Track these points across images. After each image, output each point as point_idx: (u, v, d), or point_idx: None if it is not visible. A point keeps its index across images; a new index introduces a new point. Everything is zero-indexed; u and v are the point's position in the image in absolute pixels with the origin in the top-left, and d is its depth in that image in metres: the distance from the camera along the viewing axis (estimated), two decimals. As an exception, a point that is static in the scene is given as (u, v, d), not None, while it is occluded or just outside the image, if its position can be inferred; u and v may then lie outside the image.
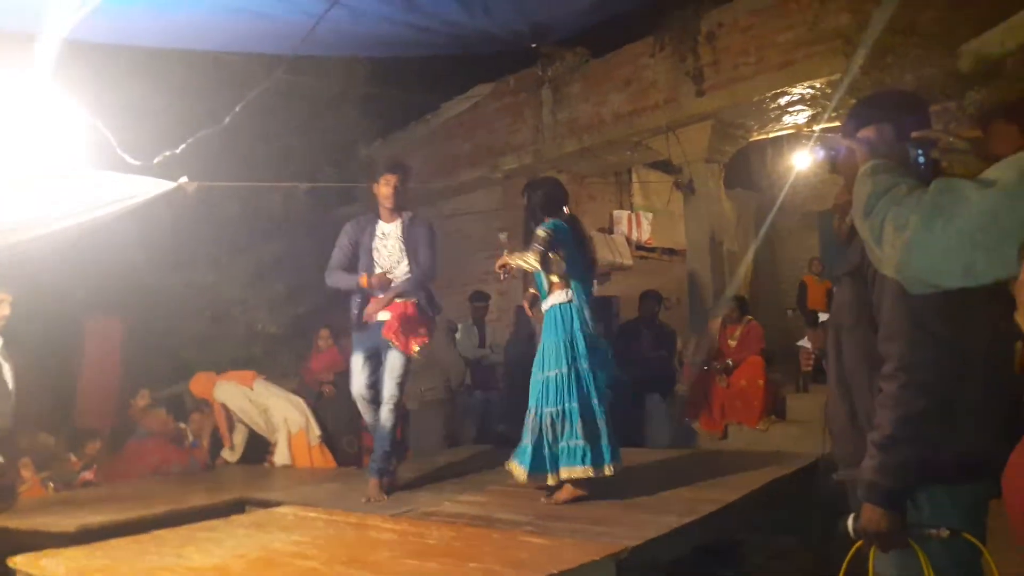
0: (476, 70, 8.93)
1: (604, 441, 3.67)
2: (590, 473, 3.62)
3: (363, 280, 4.18)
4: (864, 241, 1.50)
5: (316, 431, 6.13)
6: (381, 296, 4.20)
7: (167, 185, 4.74)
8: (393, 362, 4.14)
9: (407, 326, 4.10)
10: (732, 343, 6.72)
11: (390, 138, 10.00)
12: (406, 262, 4.25)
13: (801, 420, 6.35)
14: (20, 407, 4.22)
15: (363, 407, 4.30)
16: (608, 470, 3.65)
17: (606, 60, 8.14)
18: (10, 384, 4.09)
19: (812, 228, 11.23)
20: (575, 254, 3.83)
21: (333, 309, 8.80)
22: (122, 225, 5.22)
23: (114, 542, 3.23)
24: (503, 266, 3.69)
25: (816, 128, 7.88)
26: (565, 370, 3.70)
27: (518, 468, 3.72)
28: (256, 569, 2.71)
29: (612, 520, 3.30)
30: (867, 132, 1.75)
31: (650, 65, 7.70)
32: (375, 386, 4.24)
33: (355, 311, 4.25)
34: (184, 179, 4.87)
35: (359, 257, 4.28)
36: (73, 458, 6.17)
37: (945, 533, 1.66)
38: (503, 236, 9.07)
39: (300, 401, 6.29)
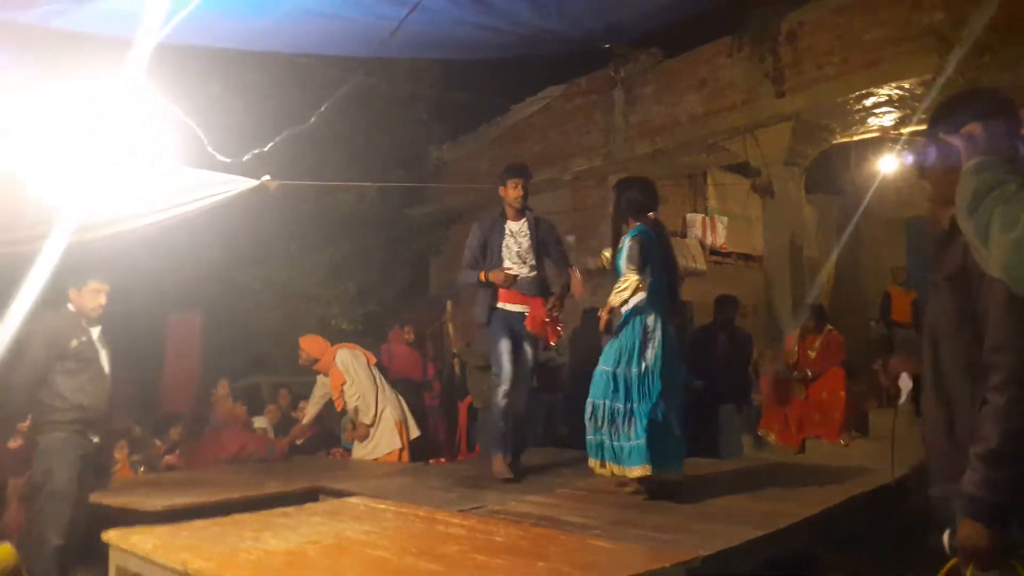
0: (547, 72, 8.95)
1: (669, 444, 3.63)
2: (649, 472, 3.58)
3: (481, 275, 4.44)
4: (968, 241, 1.42)
5: (415, 430, 6.10)
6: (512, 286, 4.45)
7: (251, 183, 4.90)
8: (528, 352, 4.49)
9: (548, 318, 4.36)
10: (811, 353, 6.50)
11: (460, 140, 10.09)
12: (533, 256, 4.51)
13: (884, 436, 6.09)
14: (113, 394, 4.41)
15: (508, 386, 4.45)
16: (673, 475, 3.62)
17: (680, 61, 8.02)
18: (107, 369, 4.30)
19: (898, 236, 10.77)
20: (657, 260, 3.83)
21: (400, 307, 9.00)
22: (204, 222, 5.41)
23: (197, 523, 3.35)
24: (609, 311, 3.76)
25: (904, 131, 7.59)
26: (635, 369, 3.67)
27: (592, 461, 3.77)
28: (329, 555, 2.76)
29: (683, 528, 3.23)
30: (971, 128, 1.66)
31: (727, 66, 7.54)
32: (517, 362, 4.49)
33: (485, 305, 4.50)
34: (267, 177, 5.02)
35: (487, 255, 4.54)
36: (158, 443, 6.45)
37: None
38: (570, 239, 9.12)
39: (399, 397, 6.27)
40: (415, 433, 6.10)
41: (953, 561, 1.68)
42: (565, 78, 9.01)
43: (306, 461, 6.16)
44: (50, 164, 3.72)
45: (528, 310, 4.42)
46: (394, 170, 9.25)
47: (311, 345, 6.22)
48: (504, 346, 4.45)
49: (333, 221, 8.82)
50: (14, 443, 5.12)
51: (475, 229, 4.63)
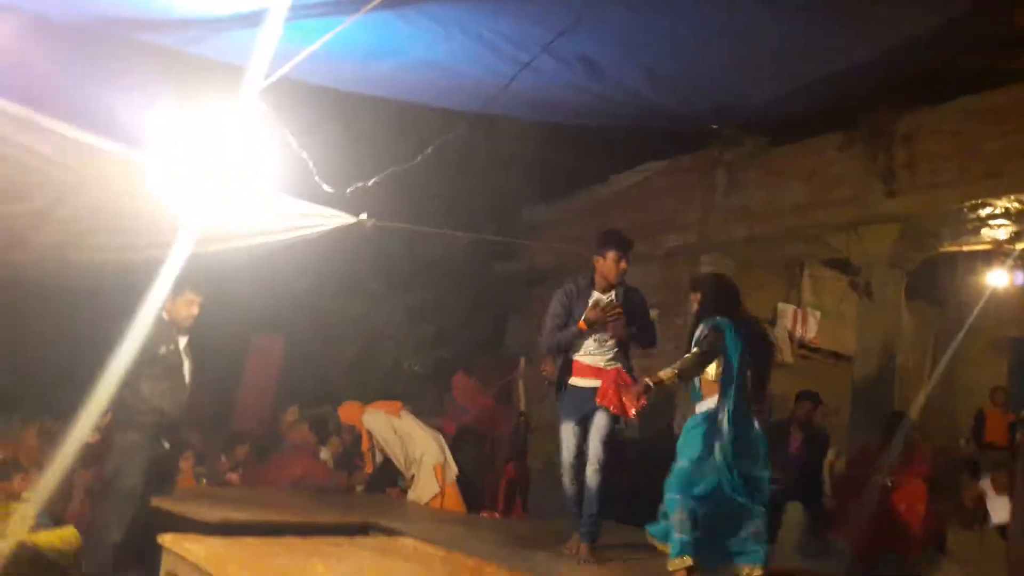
0: (649, 146, 8.98)
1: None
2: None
3: (581, 324, 4.14)
4: None
5: (454, 469, 6.18)
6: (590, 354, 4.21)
7: (350, 219, 5.09)
8: (599, 422, 4.08)
9: (622, 390, 4.07)
10: (893, 461, 6.14)
11: (554, 204, 10.20)
12: (616, 330, 4.19)
13: (963, 558, 5.68)
14: (188, 404, 4.56)
15: (569, 476, 4.25)
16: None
17: (788, 149, 7.93)
18: (187, 379, 4.46)
19: (1000, 355, 10.19)
20: (733, 356, 3.62)
21: (473, 357, 9.03)
22: (297, 251, 5.62)
23: (249, 539, 3.41)
24: (645, 390, 3.57)
25: (1018, 246, 7.25)
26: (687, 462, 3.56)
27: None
28: (373, 591, 2.74)
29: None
30: None
31: (837, 160, 7.40)
32: (584, 455, 4.17)
33: (558, 377, 4.28)
34: (364, 215, 5.21)
35: (568, 324, 4.26)
36: (223, 459, 6.61)
37: None
38: (654, 313, 8.99)
39: (440, 437, 6.39)
40: (453, 473, 6.16)
41: None
42: (667, 154, 9.03)
43: (362, 496, 6.19)
44: (172, 179, 3.96)
45: (601, 384, 4.13)
46: (486, 224, 9.41)
47: (345, 415, 6.72)
48: (567, 431, 4.21)
49: (420, 266, 9.01)
50: (92, 437, 5.32)
51: (559, 295, 4.34)
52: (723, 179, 8.38)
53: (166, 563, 3.18)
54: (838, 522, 6.16)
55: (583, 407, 4.16)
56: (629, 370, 4.23)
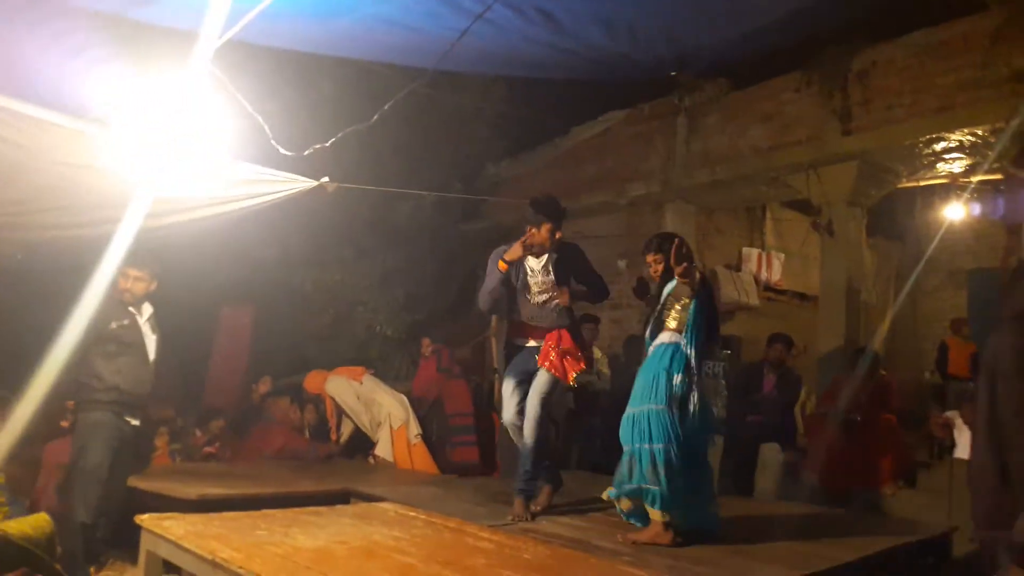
0: (609, 96, 8.91)
1: (677, 490, 3.47)
2: (657, 517, 3.46)
3: (501, 264, 4.07)
4: None
5: (416, 429, 6.29)
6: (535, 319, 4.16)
7: (309, 183, 5.00)
8: (540, 380, 4.03)
9: (562, 352, 4.04)
10: (862, 398, 6.29)
11: (518, 157, 10.13)
12: (555, 293, 4.13)
13: (932, 489, 5.87)
14: (156, 381, 4.50)
15: (514, 434, 4.21)
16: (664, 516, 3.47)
17: (747, 93, 7.92)
18: (152, 355, 4.38)
19: (960, 287, 10.43)
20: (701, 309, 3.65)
21: (445, 319, 9.03)
22: (261, 219, 5.52)
23: (228, 514, 3.40)
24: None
25: (974, 179, 7.37)
26: (652, 408, 3.54)
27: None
28: (356, 557, 2.76)
29: (715, 562, 3.15)
30: None
31: (794, 100, 7.42)
32: (524, 412, 4.12)
33: (503, 339, 4.27)
34: (326, 179, 5.12)
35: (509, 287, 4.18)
36: (198, 433, 6.57)
37: None
38: (622, 264, 9.06)
39: (404, 399, 6.46)
40: (415, 433, 6.29)
41: None
42: (627, 103, 8.98)
43: (341, 464, 6.21)
44: (122, 150, 3.84)
45: (543, 344, 4.09)
46: (452, 184, 9.32)
47: (310, 384, 6.86)
48: (507, 389, 4.18)
49: (388, 229, 8.92)
50: (65, 422, 5.26)
51: (495, 256, 4.20)
52: (683, 126, 8.37)
53: (145, 543, 3.16)
54: (812, 460, 6.31)
55: (524, 366, 4.14)
56: (575, 331, 4.18)
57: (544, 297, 4.15)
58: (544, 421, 4.04)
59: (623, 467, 3.61)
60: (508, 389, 4.18)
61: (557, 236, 4.13)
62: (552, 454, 4.38)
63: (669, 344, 3.66)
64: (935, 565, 4.02)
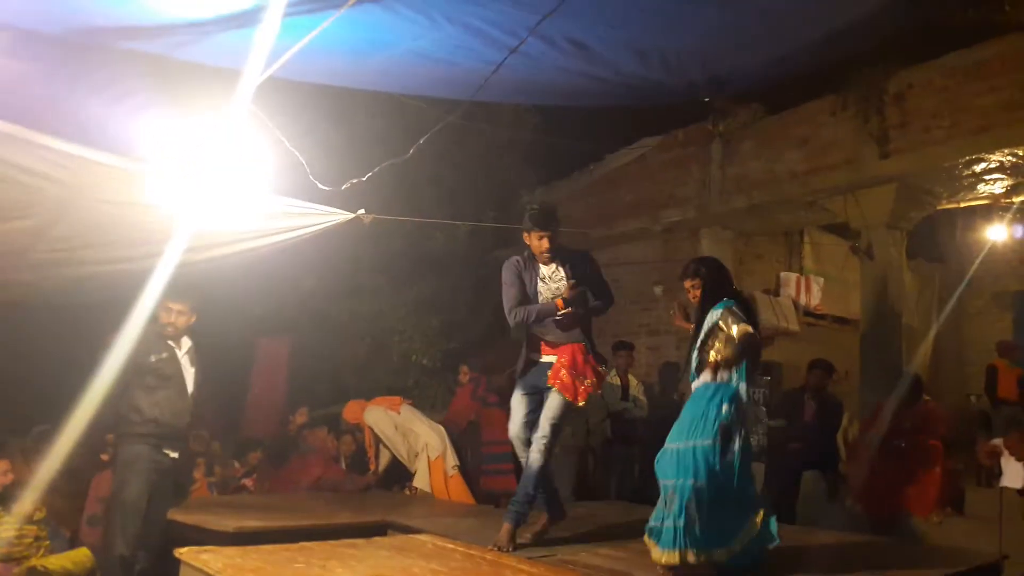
0: (644, 122, 8.94)
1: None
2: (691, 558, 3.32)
3: (559, 303, 3.94)
4: None
5: (453, 460, 6.25)
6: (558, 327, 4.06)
7: (347, 215, 5.06)
8: (552, 402, 3.91)
9: (575, 372, 3.94)
10: (906, 424, 6.14)
11: (553, 185, 10.17)
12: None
13: (980, 516, 5.70)
14: (194, 413, 4.54)
15: (519, 448, 4.10)
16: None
17: (782, 117, 7.89)
18: (190, 388, 4.42)
19: (1005, 309, 10.19)
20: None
21: (481, 347, 9.04)
22: (299, 251, 5.60)
23: (266, 547, 3.40)
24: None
25: (1015, 199, 7.22)
26: (698, 443, 3.44)
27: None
28: (395, 591, 2.74)
29: (761, 597, 3.07)
30: None
31: (830, 124, 7.36)
32: (531, 426, 4.00)
33: (523, 356, 4.12)
34: (362, 211, 5.18)
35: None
36: (236, 465, 6.62)
37: None
38: (658, 290, 9.00)
39: (442, 429, 6.45)
40: (452, 464, 6.26)
41: None
42: (662, 130, 9.00)
43: (379, 495, 6.21)
44: (164, 187, 3.93)
45: (555, 360, 3.97)
46: (486, 212, 9.38)
47: (349, 414, 6.83)
48: (516, 401, 4.06)
49: (423, 258, 8.99)
50: (106, 456, 5.32)
51: (509, 267, 4.15)
52: (718, 151, 8.35)
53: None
54: (855, 487, 6.16)
55: (535, 380, 4.03)
56: (590, 346, 4.07)
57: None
58: (552, 447, 3.91)
59: (663, 503, 3.51)
60: (516, 401, 4.08)
61: (544, 244, 4.03)
62: (583, 484, 4.24)
63: (717, 384, 3.56)
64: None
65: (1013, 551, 3.89)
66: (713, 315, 3.64)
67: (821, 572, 3.52)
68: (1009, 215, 7.95)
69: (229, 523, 4.13)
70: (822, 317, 9.51)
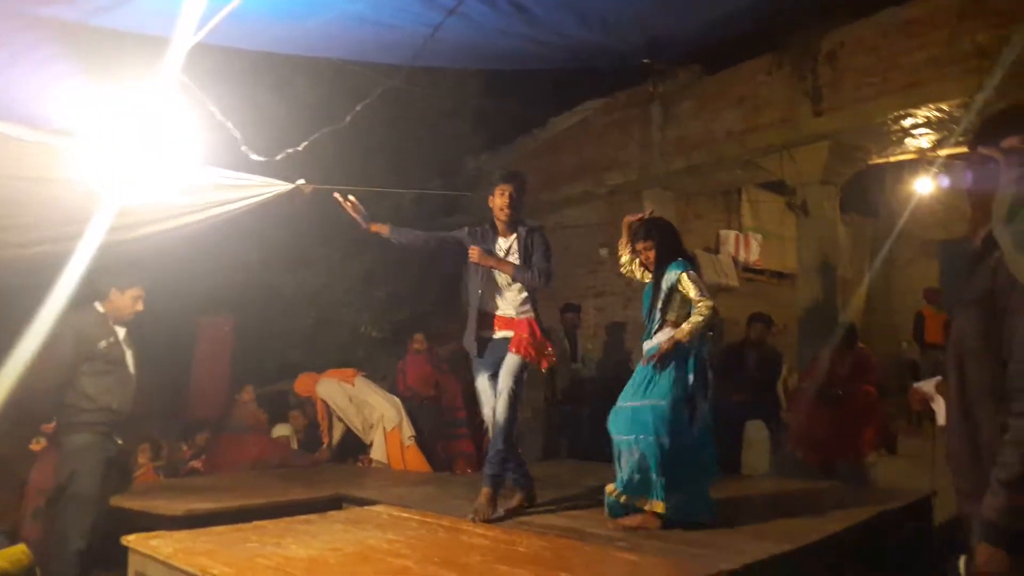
0: (585, 86, 8.93)
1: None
2: (649, 507, 3.52)
3: (474, 252, 3.99)
4: (1005, 253, 1.39)
5: (409, 431, 6.26)
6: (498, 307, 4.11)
7: (286, 186, 4.95)
8: (510, 360, 3.93)
9: (536, 343, 3.98)
10: (842, 372, 6.39)
11: (498, 151, 10.12)
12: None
13: (912, 455, 6.00)
14: (137, 397, 4.42)
15: (492, 437, 4.08)
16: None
17: (719, 78, 7.97)
18: (132, 370, 4.30)
19: (932, 257, 10.61)
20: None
21: (432, 317, 9.01)
22: (238, 225, 5.45)
23: (217, 528, 3.37)
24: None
25: (941, 153, 7.46)
26: (655, 403, 3.57)
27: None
28: (351, 563, 2.75)
29: (707, 543, 3.19)
30: (1012, 143, 1.64)
31: (766, 83, 7.48)
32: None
33: (472, 329, 4.10)
34: (301, 181, 5.08)
35: (469, 267, 4.14)
36: (184, 447, 6.50)
37: None
38: (604, 252, 9.08)
39: (397, 401, 6.44)
40: (409, 435, 6.26)
41: None
42: (603, 92, 9.01)
43: (332, 469, 6.18)
44: (88, 161, 3.77)
45: (513, 334, 4.00)
46: (432, 179, 9.27)
47: (301, 387, 6.79)
48: (483, 385, 4.08)
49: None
50: (36, 445, 5.13)
51: (464, 231, 4.21)
52: (658, 113, 8.41)
53: (133, 564, 3.10)
54: (795, 435, 6.41)
55: (495, 357, 4.03)
56: (539, 322, 4.11)
57: (513, 283, 4.06)
58: (516, 399, 3.93)
59: (622, 461, 3.61)
60: (484, 384, 4.10)
61: (507, 196, 4.03)
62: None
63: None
64: (917, 529, 4.10)
65: (944, 487, 4.11)
66: (671, 276, 3.72)
67: (764, 518, 3.67)
68: (935, 168, 8.21)
69: (178, 506, 4.06)
70: (761, 272, 9.75)
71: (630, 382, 3.72)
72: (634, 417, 3.57)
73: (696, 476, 3.60)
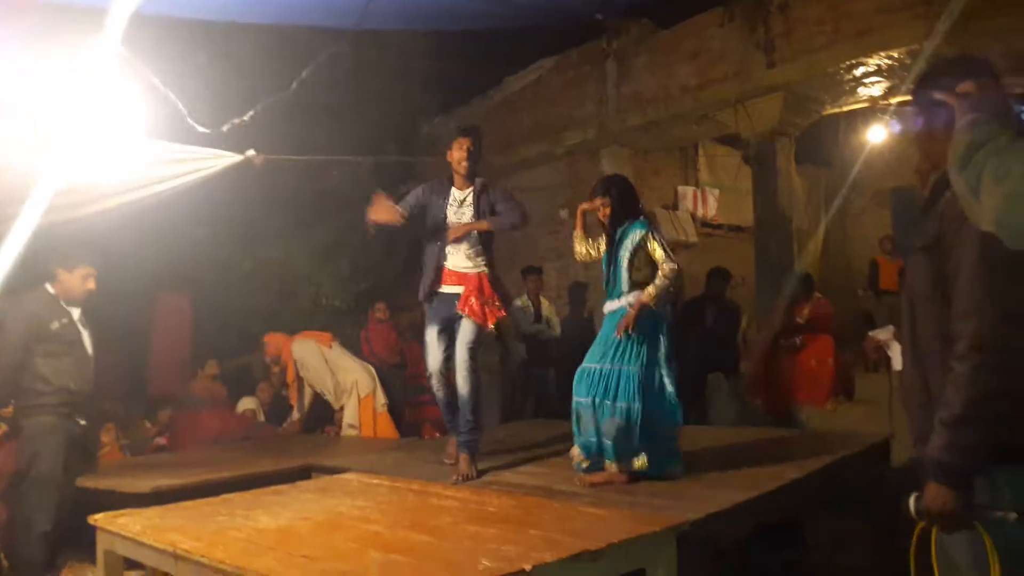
0: (539, 44, 8.83)
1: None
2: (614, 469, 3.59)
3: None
4: (960, 197, 1.42)
5: (383, 399, 6.22)
6: (456, 264, 4.12)
7: (235, 157, 4.86)
8: (464, 329, 4.01)
9: (483, 299, 4.03)
10: (800, 322, 6.54)
11: (452, 113, 10.00)
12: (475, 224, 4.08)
13: (870, 400, 6.18)
14: (96, 376, 4.36)
15: (438, 383, 4.18)
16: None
17: (672, 32, 7.94)
18: (89, 350, 4.24)
19: (885, 206, 10.82)
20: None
21: (394, 286, 8.97)
22: (190, 199, 5.34)
23: (186, 504, 3.34)
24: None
25: (892, 101, 7.56)
26: (623, 368, 3.60)
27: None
28: (322, 531, 2.76)
29: (672, 494, 3.26)
30: (965, 87, 1.65)
31: (718, 36, 7.47)
32: (451, 360, 4.11)
33: (427, 284, 4.15)
34: (251, 152, 4.98)
35: (426, 221, 4.15)
36: (148, 425, 6.43)
37: (1013, 516, 1.58)
38: (564, 213, 9.09)
39: (371, 368, 6.39)
40: (382, 403, 6.21)
41: (922, 524, 1.70)
42: (558, 50, 8.91)
43: (299, 439, 6.17)
44: (26, 138, 3.65)
45: (463, 290, 4.05)
46: (387, 144, 9.14)
47: (272, 347, 6.54)
48: (431, 337, 4.13)
49: (326, 197, 8.72)
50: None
51: (418, 189, 4.20)
52: (613, 69, 8.36)
53: (102, 543, 3.07)
54: (755, 385, 6.57)
55: (445, 312, 4.10)
56: (495, 277, 4.16)
57: (468, 236, 4.08)
58: (475, 369, 4.03)
59: (582, 423, 3.66)
60: (432, 337, 4.14)
61: (464, 149, 4.07)
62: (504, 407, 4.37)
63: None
64: (877, 472, 4.24)
65: (901, 430, 4.24)
66: (636, 235, 3.72)
67: (727, 468, 3.75)
68: (887, 116, 8.33)
69: (145, 484, 4.03)
70: (719, 227, 9.85)
71: (597, 343, 3.75)
72: (606, 381, 3.60)
73: (668, 434, 3.67)
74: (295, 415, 6.51)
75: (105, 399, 5.69)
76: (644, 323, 3.62)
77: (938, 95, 1.68)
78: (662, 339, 3.67)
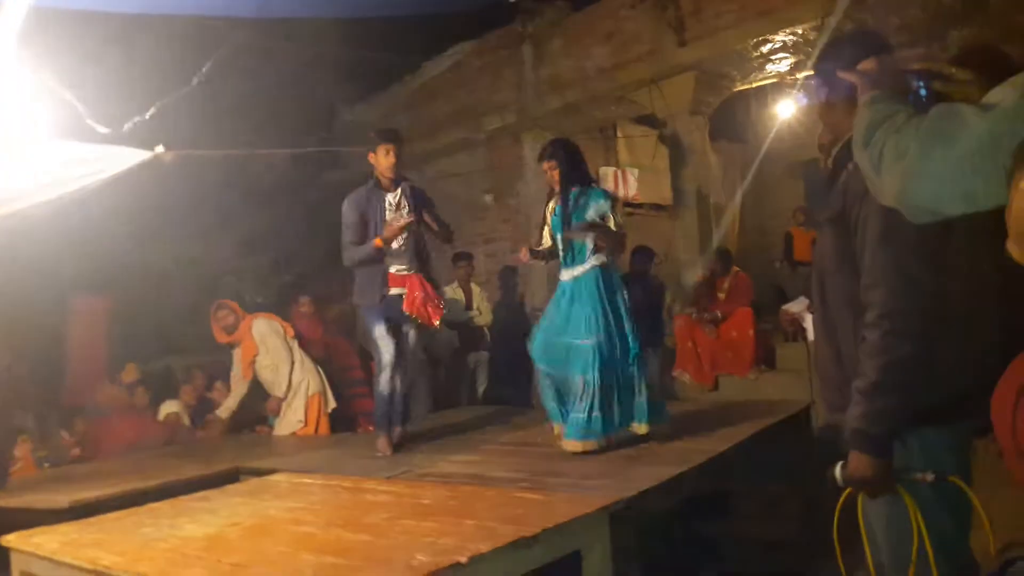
0: (457, 29, 8.75)
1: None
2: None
3: (377, 241, 4.23)
4: (864, 173, 1.47)
5: (333, 403, 6.03)
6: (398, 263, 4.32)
7: (143, 155, 4.67)
8: (412, 334, 4.43)
9: (426, 296, 4.24)
10: (721, 295, 6.74)
11: (372, 101, 9.84)
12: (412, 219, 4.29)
13: (791, 368, 6.41)
14: (8, 387, 4.15)
15: (389, 376, 4.40)
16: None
17: (587, 13, 8.00)
18: (-4, 364, 4.03)
19: (797, 178, 11.19)
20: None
21: (318, 278, 8.81)
22: (103, 199, 5.12)
23: (108, 516, 3.22)
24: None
25: (799, 75, 7.80)
26: (604, 337, 3.74)
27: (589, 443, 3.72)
28: (251, 536, 2.71)
29: (605, 474, 3.32)
30: (866, 64, 1.70)
31: (631, 16, 7.56)
32: (401, 355, 4.41)
33: (376, 292, 4.31)
34: (160, 149, 4.79)
35: (369, 230, 4.29)
36: (65, 435, 6.16)
37: (930, 477, 1.66)
38: (488, 198, 9.08)
39: (319, 368, 6.17)
40: (332, 405, 6.04)
41: (847, 491, 1.78)
42: (475, 35, 8.85)
43: (227, 441, 6.00)
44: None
45: (405, 291, 4.28)
46: (306, 135, 8.94)
47: (231, 309, 6.17)
48: (381, 333, 4.33)
49: (245, 191, 8.48)
50: None
51: (350, 204, 4.32)
52: (530, 53, 8.37)
53: (17, 564, 2.92)
54: (682, 358, 6.73)
55: (392, 313, 4.33)
56: (428, 275, 4.38)
57: (403, 235, 4.27)
58: (416, 363, 4.49)
59: (551, 393, 3.84)
60: (381, 332, 4.36)
61: (391, 158, 4.27)
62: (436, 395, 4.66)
63: (600, 268, 3.84)
64: (799, 438, 4.42)
65: (821, 398, 4.42)
66: (600, 205, 3.77)
67: (660, 442, 3.85)
68: (795, 91, 8.59)
69: (62, 498, 3.84)
70: (639, 206, 9.98)
71: (556, 314, 3.84)
72: (580, 355, 3.74)
73: (642, 390, 3.86)
74: (223, 411, 6.17)
75: (15, 412, 5.44)
76: (603, 292, 3.77)
77: (840, 72, 1.71)
78: (621, 305, 3.84)
